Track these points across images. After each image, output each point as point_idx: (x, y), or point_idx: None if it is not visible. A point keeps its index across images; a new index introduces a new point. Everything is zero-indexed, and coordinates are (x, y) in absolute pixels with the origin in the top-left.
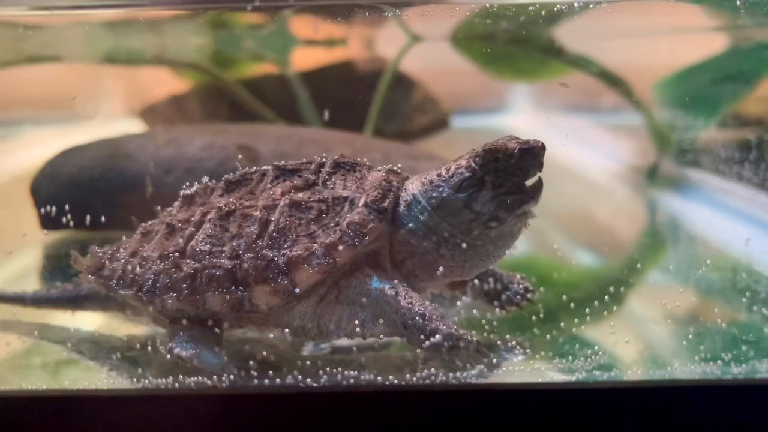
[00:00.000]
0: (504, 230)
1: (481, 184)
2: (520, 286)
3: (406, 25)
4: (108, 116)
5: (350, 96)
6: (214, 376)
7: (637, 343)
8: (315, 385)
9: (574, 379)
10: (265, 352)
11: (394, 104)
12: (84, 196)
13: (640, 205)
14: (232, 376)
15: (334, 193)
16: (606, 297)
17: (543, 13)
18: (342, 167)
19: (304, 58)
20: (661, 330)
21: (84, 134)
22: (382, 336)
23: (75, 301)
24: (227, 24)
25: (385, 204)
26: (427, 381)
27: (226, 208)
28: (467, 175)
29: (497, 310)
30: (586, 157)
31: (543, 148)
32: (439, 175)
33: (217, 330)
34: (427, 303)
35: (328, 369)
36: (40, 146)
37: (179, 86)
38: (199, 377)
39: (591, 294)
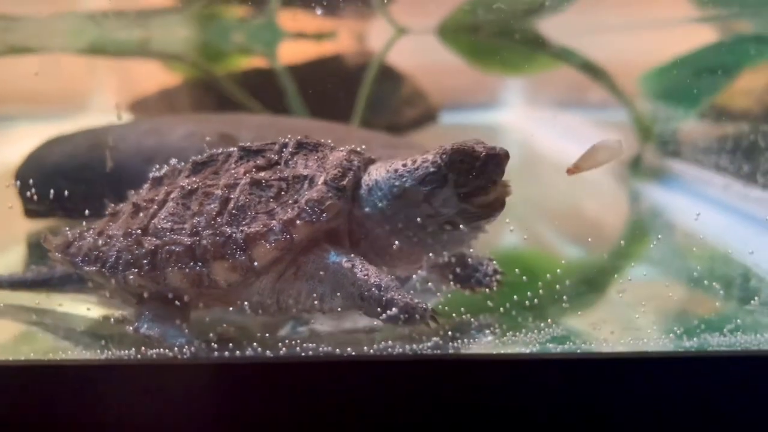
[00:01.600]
0: (455, 236)
1: (444, 181)
2: (489, 267)
3: (393, 17)
4: (97, 109)
5: (338, 89)
6: (175, 348)
7: (614, 328)
8: (270, 354)
9: (536, 350)
10: (232, 329)
11: (382, 97)
12: (68, 185)
13: (624, 197)
14: (193, 349)
15: (294, 172)
16: (588, 288)
17: (528, 6)
18: (304, 147)
19: (292, 52)
20: (639, 317)
21: (69, 127)
22: (339, 309)
23: (49, 283)
24: (215, 16)
25: (344, 182)
26: (385, 352)
27: (189, 187)
28: (432, 169)
29: (462, 289)
30: (573, 150)
31: (507, 156)
32: (404, 165)
33: (183, 310)
34: (383, 275)
35: (288, 342)
36: (31, 141)
37: (168, 79)
38: (161, 350)
39: (573, 285)
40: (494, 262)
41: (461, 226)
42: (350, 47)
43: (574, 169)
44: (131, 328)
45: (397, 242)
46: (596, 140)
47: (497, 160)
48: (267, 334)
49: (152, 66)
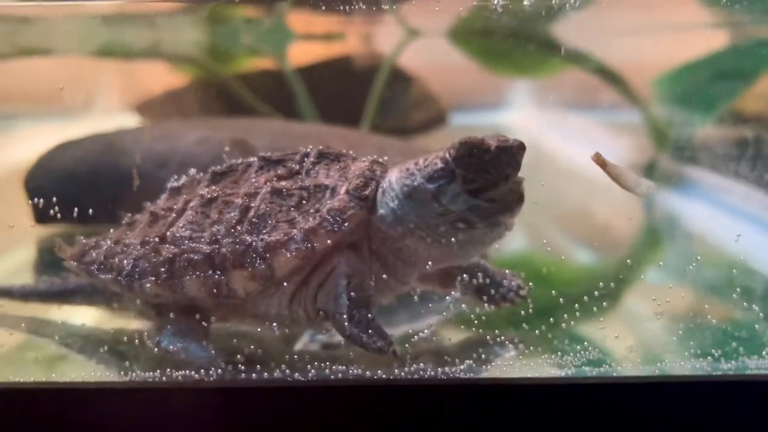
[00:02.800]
0: (473, 236)
1: (452, 176)
2: (513, 283)
3: (404, 19)
4: (104, 111)
5: (348, 91)
6: (201, 370)
7: (628, 339)
8: (302, 378)
9: (562, 374)
10: (252, 346)
11: (392, 100)
12: (78, 190)
13: (638, 203)
14: (219, 370)
15: (316, 181)
16: (601, 294)
17: (542, 9)
18: (326, 157)
19: (302, 53)
20: (654, 326)
21: (80, 129)
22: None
23: (62, 295)
24: (224, 18)
25: (367, 192)
26: (416, 375)
27: (208, 196)
28: (440, 165)
29: (487, 306)
30: (585, 154)
31: (522, 148)
32: (415, 164)
33: (204, 324)
34: (365, 309)
35: (315, 363)
36: (35, 141)
37: (176, 81)
38: (187, 371)
39: (585, 291)
40: (515, 276)
41: (477, 224)
42: (360, 49)
43: (597, 160)
44: (151, 342)
45: (410, 244)
46: (607, 142)
47: (510, 152)
48: (288, 350)
49: (159, 67)
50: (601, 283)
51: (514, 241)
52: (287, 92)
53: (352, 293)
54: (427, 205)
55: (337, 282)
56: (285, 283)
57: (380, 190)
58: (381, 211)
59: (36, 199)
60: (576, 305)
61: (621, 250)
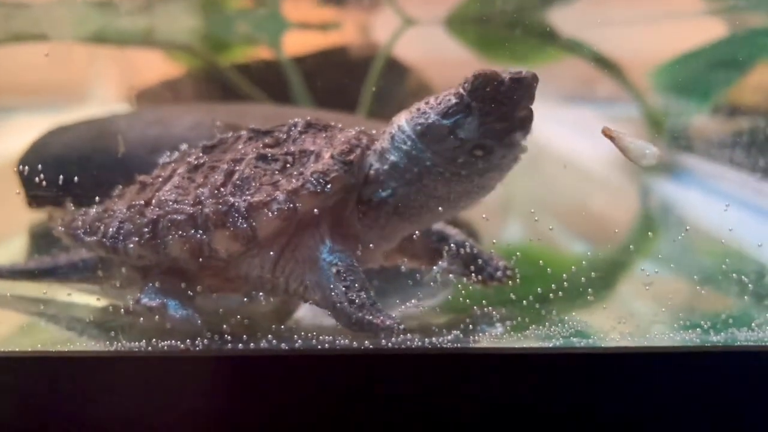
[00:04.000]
0: (492, 161)
1: (468, 110)
2: (501, 263)
3: (401, 8)
4: (99, 101)
5: (343, 81)
6: (188, 340)
7: (623, 325)
8: (287, 347)
9: (549, 344)
10: (239, 316)
11: (388, 90)
12: (71, 175)
13: (634, 192)
14: (206, 340)
15: (301, 147)
16: (597, 284)
17: None
18: (313, 127)
19: (297, 42)
20: (649, 312)
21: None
22: (317, 305)
23: (52, 273)
24: (219, 6)
25: (351, 157)
26: (403, 345)
27: (195, 162)
28: (454, 101)
29: (474, 278)
30: (581, 145)
31: (535, 78)
32: (426, 103)
33: (189, 292)
34: (365, 289)
35: (302, 333)
36: (31, 132)
37: (172, 69)
38: (171, 340)
39: (582, 281)
40: (502, 258)
41: (494, 147)
42: (356, 38)
43: (606, 133)
44: (132, 300)
45: (429, 182)
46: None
47: (525, 82)
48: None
49: (155, 56)
50: (593, 273)
51: (510, 232)
52: (283, 81)
53: (344, 279)
54: (444, 141)
55: (325, 274)
56: (267, 247)
57: (387, 136)
58: (392, 158)
59: (29, 183)
60: (574, 294)
61: (617, 240)
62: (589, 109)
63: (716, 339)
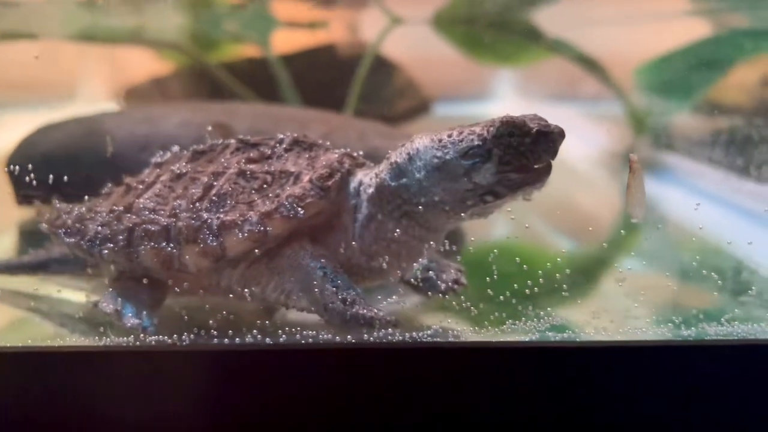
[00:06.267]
0: (498, 206)
1: (488, 155)
2: (451, 275)
3: (388, 7)
4: (88, 98)
5: (331, 79)
6: (174, 335)
7: (604, 318)
8: (271, 342)
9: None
10: (224, 312)
11: (375, 88)
12: (60, 173)
13: (617, 189)
14: (192, 335)
15: (282, 167)
16: (580, 281)
17: None
18: (299, 145)
19: (286, 41)
20: (630, 307)
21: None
22: (303, 310)
23: (46, 265)
24: (208, 4)
25: (330, 183)
26: (384, 340)
27: (178, 171)
28: (477, 143)
29: (424, 296)
30: (566, 143)
31: (562, 135)
32: (449, 136)
33: (155, 295)
34: (352, 288)
35: (286, 329)
36: (20, 129)
37: (160, 68)
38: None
39: (565, 278)
40: (460, 271)
41: (505, 196)
42: (344, 37)
43: (632, 164)
44: (92, 303)
45: (428, 215)
46: (588, 131)
47: (551, 138)
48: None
49: (144, 54)
50: (581, 270)
51: (496, 229)
52: (271, 79)
53: (332, 280)
54: (457, 181)
55: (311, 277)
56: (237, 264)
57: (405, 154)
58: (404, 180)
59: (17, 181)
60: (556, 291)
61: (601, 237)
62: (574, 107)
63: (687, 333)
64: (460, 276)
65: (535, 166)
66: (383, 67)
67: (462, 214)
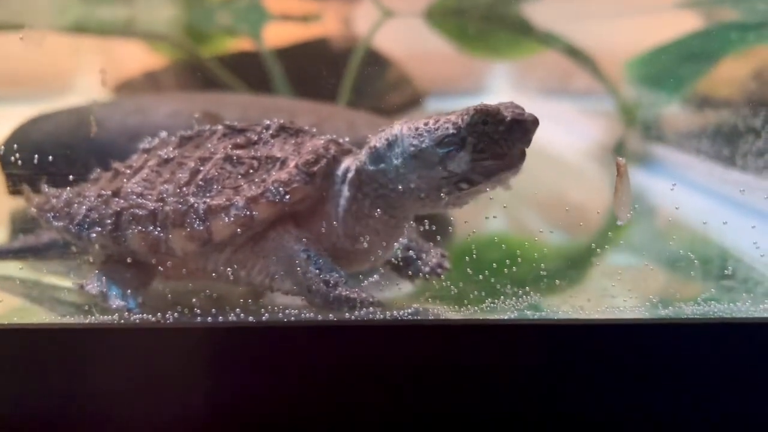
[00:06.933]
0: (473, 194)
1: (462, 144)
2: (434, 259)
3: (380, 0)
4: (80, 91)
5: (323, 72)
6: (158, 313)
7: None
8: (254, 320)
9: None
10: (207, 291)
11: (367, 82)
12: (52, 163)
13: (608, 182)
14: (176, 314)
15: (269, 153)
16: (570, 272)
17: None
18: (286, 131)
19: (278, 34)
20: (620, 299)
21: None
22: (287, 293)
23: (36, 251)
24: None
25: (315, 169)
26: (366, 318)
27: (165, 156)
28: (452, 131)
29: (408, 280)
30: (558, 136)
31: (535, 123)
32: (425, 124)
33: (141, 278)
34: (335, 271)
35: (270, 308)
36: (11, 123)
37: (153, 60)
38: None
39: (556, 269)
40: (443, 255)
41: (480, 183)
42: (336, 30)
43: (621, 167)
44: (78, 285)
45: (406, 201)
46: (580, 124)
47: (524, 126)
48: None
49: (136, 47)
50: (572, 262)
51: (488, 222)
52: (263, 72)
53: (315, 263)
54: (432, 168)
55: (295, 260)
56: (223, 248)
57: (384, 140)
58: (382, 166)
59: (9, 171)
60: (546, 282)
61: (591, 229)
62: (565, 101)
63: (665, 312)
64: (443, 260)
65: (509, 155)
66: (375, 59)
67: (438, 202)
